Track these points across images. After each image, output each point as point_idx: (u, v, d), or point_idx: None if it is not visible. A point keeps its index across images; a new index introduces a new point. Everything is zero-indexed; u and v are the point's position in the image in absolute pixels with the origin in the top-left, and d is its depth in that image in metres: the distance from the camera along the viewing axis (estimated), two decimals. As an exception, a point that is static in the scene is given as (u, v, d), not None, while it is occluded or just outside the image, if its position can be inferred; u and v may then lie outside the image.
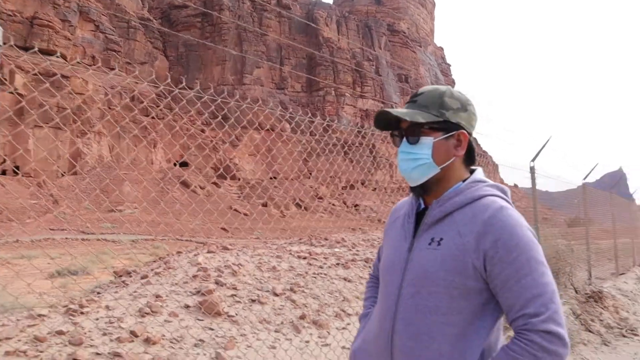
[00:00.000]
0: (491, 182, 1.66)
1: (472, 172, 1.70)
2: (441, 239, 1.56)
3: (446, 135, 1.62)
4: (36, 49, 3.04)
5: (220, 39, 75.90)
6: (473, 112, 1.68)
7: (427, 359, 1.52)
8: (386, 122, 1.69)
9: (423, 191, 1.67)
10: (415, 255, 1.61)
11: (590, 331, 7.14)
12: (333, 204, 61.30)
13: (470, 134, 1.67)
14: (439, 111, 1.61)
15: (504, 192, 1.64)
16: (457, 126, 1.63)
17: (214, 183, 58.40)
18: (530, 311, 1.41)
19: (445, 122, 1.62)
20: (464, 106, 1.65)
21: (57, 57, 53.02)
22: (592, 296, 8.29)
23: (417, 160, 1.62)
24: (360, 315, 2.00)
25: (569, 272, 8.83)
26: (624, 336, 7.30)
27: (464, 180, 1.66)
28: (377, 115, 1.66)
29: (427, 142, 1.61)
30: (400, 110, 1.62)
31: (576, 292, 8.42)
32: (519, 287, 1.44)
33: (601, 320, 7.64)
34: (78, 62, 52.37)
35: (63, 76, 48.13)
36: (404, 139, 1.66)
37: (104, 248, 20.87)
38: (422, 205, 1.71)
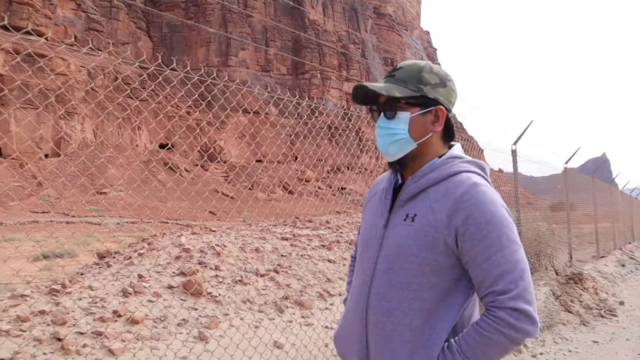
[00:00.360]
0: (468, 158, 1.65)
1: (451, 148, 1.69)
2: (415, 215, 1.56)
3: (423, 111, 1.60)
4: (6, 22, 2.97)
5: (204, 19, 74.81)
6: (452, 88, 1.67)
7: (399, 333, 1.53)
8: (364, 96, 1.67)
9: (400, 167, 1.67)
10: (390, 232, 1.61)
11: (569, 312, 7.26)
12: (319, 187, 61.34)
13: (449, 110, 1.66)
14: (417, 86, 1.60)
15: (482, 168, 1.63)
16: (435, 102, 1.61)
17: (196, 165, 57.95)
18: (498, 288, 1.41)
19: (422, 98, 1.60)
20: (443, 82, 1.64)
21: (29, 32, 51.59)
22: (572, 278, 8.41)
23: (394, 135, 1.61)
24: (343, 299, 2.00)
25: (550, 254, 8.95)
26: (602, 317, 7.44)
27: (440, 157, 1.64)
28: (355, 89, 1.64)
29: (404, 117, 1.60)
30: (377, 85, 1.61)
31: (557, 273, 8.53)
32: (489, 264, 1.43)
33: (581, 301, 7.76)
34: (54, 40, 51.17)
35: (42, 55, 47.12)
36: (382, 114, 1.64)
37: (89, 231, 20.76)
38: (400, 181, 1.71)
